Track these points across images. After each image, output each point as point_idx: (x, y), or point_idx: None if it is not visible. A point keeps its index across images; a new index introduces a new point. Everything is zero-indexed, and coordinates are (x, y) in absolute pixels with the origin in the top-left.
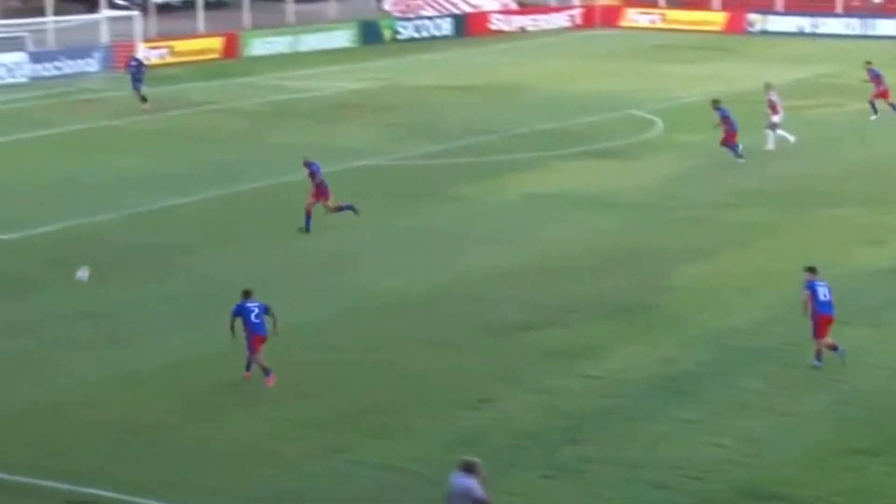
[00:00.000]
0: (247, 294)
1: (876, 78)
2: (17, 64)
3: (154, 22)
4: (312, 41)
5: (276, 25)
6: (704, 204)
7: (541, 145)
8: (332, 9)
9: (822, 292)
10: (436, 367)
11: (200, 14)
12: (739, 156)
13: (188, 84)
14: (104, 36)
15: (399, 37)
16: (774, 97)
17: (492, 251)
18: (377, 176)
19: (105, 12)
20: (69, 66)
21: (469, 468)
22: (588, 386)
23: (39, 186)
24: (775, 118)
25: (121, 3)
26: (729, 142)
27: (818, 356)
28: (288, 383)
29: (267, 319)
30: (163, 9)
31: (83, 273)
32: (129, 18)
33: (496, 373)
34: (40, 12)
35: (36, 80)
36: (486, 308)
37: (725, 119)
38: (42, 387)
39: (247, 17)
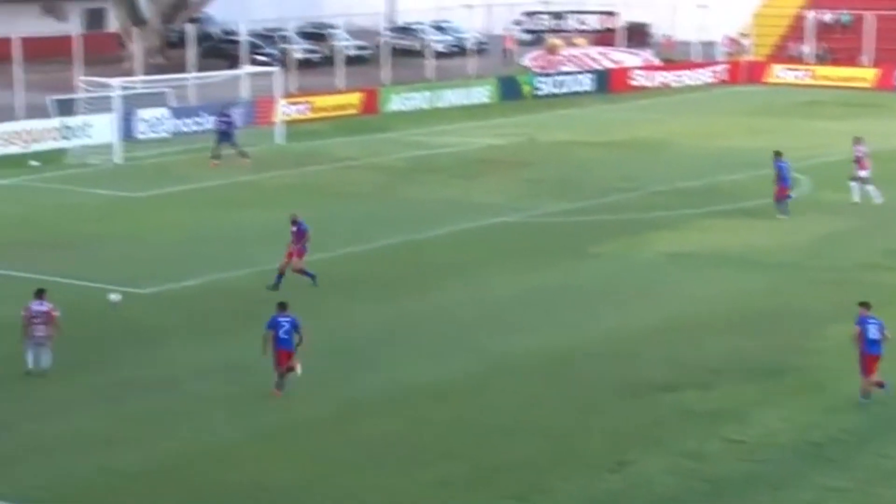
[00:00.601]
0: (282, 307)
1: None
2: (159, 119)
3: (294, 77)
4: (451, 97)
5: (415, 81)
6: (852, 264)
7: (682, 203)
8: (470, 64)
9: (873, 330)
10: (575, 427)
11: (340, 70)
12: (783, 212)
13: (327, 140)
14: (245, 91)
15: (538, 93)
16: (861, 151)
17: (632, 309)
18: (515, 232)
19: (246, 68)
20: (209, 122)
21: None
22: (730, 450)
23: (178, 240)
24: (862, 173)
25: (261, 59)
26: (779, 196)
27: (864, 394)
28: (426, 441)
29: (294, 336)
30: (303, 65)
31: (116, 298)
32: (270, 74)
33: (636, 434)
34: (182, 68)
35: (177, 136)
36: (626, 367)
37: (781, 173)
38: (178, 442)
39: (386, 72)
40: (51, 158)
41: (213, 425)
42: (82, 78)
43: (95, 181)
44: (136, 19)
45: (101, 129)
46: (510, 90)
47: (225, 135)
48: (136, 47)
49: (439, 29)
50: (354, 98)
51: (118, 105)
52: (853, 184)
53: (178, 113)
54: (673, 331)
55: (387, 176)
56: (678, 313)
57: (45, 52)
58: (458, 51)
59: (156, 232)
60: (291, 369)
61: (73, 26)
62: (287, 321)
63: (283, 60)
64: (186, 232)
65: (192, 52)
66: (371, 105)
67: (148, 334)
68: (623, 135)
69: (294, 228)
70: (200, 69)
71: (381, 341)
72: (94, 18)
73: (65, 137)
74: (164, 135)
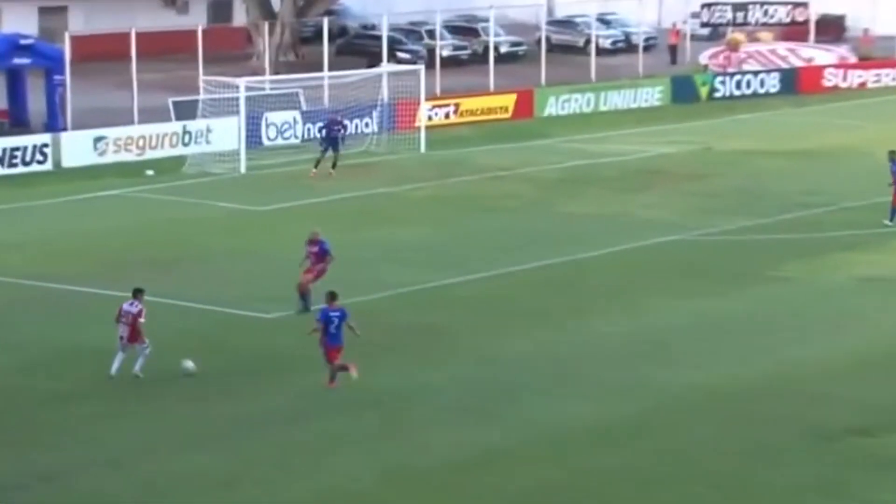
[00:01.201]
0: (332, 297)
1: None
2: (289, 124)
3: (439, 77)
4: (616, 99)
5: (576, 81)
6: None
7: (879, 220)
8: (639, 63)
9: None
10: (750, 475)
11: (491, 69)
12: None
13: (475, 147)
14: (385, 93)
15: (717, 94)
16: None
17: (820, 341)
18: (686, 253)
19: (387, 67)
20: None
21: None
22: None
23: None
24: None
25: (403, 56)
26: None
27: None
28: (588, 491)
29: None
30: (449, 63)
31: (188, 365)
32: (413, 73)
33: (819, 485)
34: (316, 67)
35: (308, 142)
36: (809, 408)
37: None
38: (306, 483)
39: (543, 72)
40: (168, 167)
41: (345, 465)
42: (205, 77)
43: (217, 192)
44: (266, 12)
45: (224, 134)
46: (684, 92)
47: (335, 143)
48: (266, 43)
49: (604, 22)
50: (507, 100)
51: (244, 108)
52: None
53: (310, 117)
54: (868, 367)
55: (541, 188)
56: (873, 347)
57: (165, 49)
58: (626, 47)
59: (283, 250)
60: (345, 368)
61: (196, 19)
62: (337, 315)
63: (427, 58)
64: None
65: (326, 49)
66: (525, 108)
67: (273, 363)
68: (812, 143)
69: (314, 249)
70: (335, 68)
71: (533, 375)
72: (220, 11)
73: (184, 143)
74: (293, 141)
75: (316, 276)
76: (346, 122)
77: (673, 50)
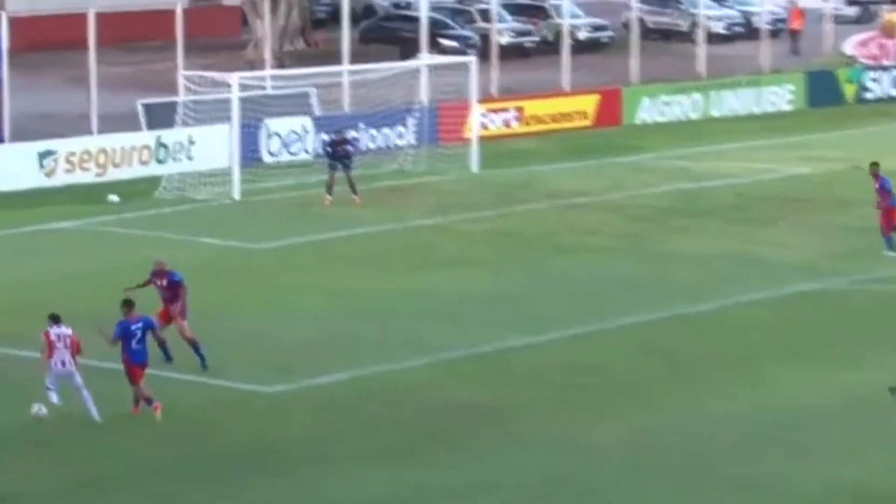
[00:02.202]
0: (129, 305)
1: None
2: (298, 134)
3: (496, 73)
4: (732, 101)
5: (679, 78)
6: None
7: None
8: (762, 53)
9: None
10: None
11: (565, 60)
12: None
13: (544, 165)
14: (425, 93)
15: (867, 95)
16: None
17: None
18: (829, 307)
19: (426, 58)
20: (371, 138)
21: None
22: None
23: (321, 314)
24: None
25: (449, 44)
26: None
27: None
28: None
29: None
30: (510, 53)
31: (39, 409)
32: (462, 67)
33: None
34: (333, 58)
35: (322, 158)
36: None
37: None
38: None
39: (634, 64)
40: (137, 191)
41: None
42: (186, 73)
43: (202, 225)
44: None
45: (211, 147)
46: (823, 92)
47: (343, 160)
48: (267, 27)
49: (716, 0)
50: (586, 103)
51: (237, 112)
52: None
53: (325, 124)
54: None
55: (633, 220)
56: None
57: (134, 35)
58: (745, 32)
59: (288, 301)
60: (149, 402)
61: None
62: (139, 326)
63: (481, 47)
64: (333, 301)
65: (347, 35)
66: (611, 113)
67: (273, 453)
68: None
69: (163, 283)
70: (359, 60)
71: (621, 470)
72: None
73: (158, 160)
74: (303, 156)
75: (183, 317)
76: (355, 138)
77: (794, 36)
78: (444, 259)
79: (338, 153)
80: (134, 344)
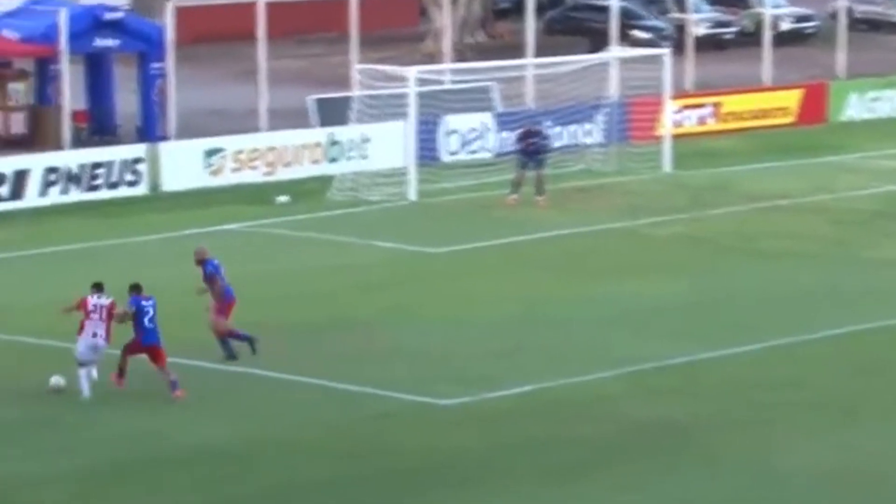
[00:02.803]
0: (138, 288)
1: None
2: (479, 132)
3: (692, 66)
4: None
5: (888, 71)
6: None
7: None
8: None
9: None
10: None
11: (766, 53)
12: None
13: (743, 165)
14: (614, 87)
15: None
16: None
17: None
18: None
19: (616, 51)
20: (557, 136)
21: None
22: None
23: (499, 322)
24: None
25: (641, 36)
26: None
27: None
28: None
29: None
30: (707, 45)
31: (57, 381)
32: (655, 60)
33: None
34: (516, 52)
35: (503, 157)
36: None
37: None
38: None
39: (841, 57)
40: (308, 191)
41: None
42: (360, 66)
43: (376, 228)
44: None
45: (386, 145)
46: None
47: (534, 157)
48: (447, 18)
49: None
50: (789, 98)
51: (415, 108)
52: None
53: (507, 121)
54: None
55: (841, 225)
56: None
57: (305, 26)
58: None
59: (466, 309)
60: (174, 385)
61: None
62: (150, 304)
63: (675, 38)
64: (513, 309)
65: (531, 26)
66: (815, 110)
67: (447, 471)
68: None
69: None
70: (544, 52)
71: (829, 501)
72: None
73: (331, 159)
74: (483, 154)
75: (217, 312)
76: (546, 131)
77: None
78: (633, 265)
79: (528, 148)
80: (147, 322)
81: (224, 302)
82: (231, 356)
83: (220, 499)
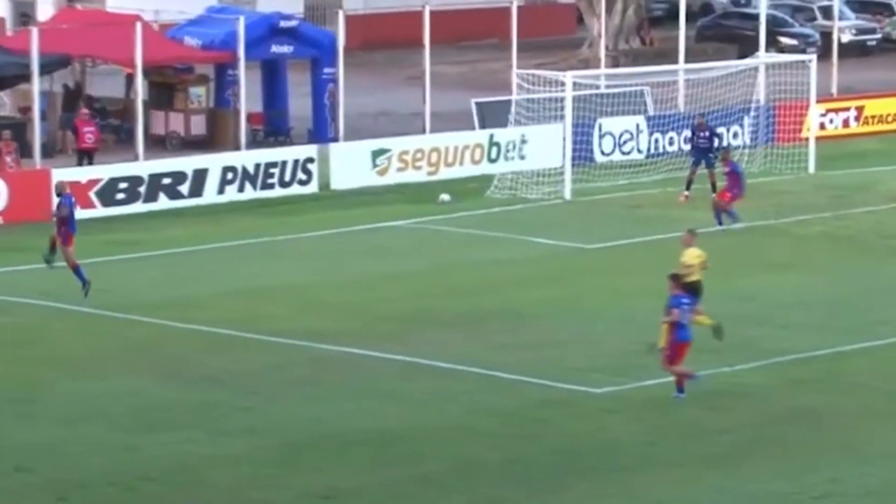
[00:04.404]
0: (677, 280)
1: None
2: (631, 133)
3: (836, 71)
4: None
5: None
6: None
7: None
8: None
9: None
10: None
11: None
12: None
13: (885, 166)
14: (762, 92)
15: None
16: None
17: None
18: None
19: (765, 56)
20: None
21: None
22: None
23: (652, 315)
24: None
25: (788, 42)
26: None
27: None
28: None
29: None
30: (851, 51)
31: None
32: (802, 66)
33: None
34: (668, 57)
35: (656, 158)
36: None
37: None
38: None
39: None
40: (469, 190)
41: None
42: (520, 71)
43: (534, 225)
44: None
45: (544, 146)
46: None
47: (706, 154)
48: (602, 25)
49: None
50: None
51: (571, 111)
52: None
53: (659, 123)
54: None
55: None
56: None
57: (468, 33)
58: None
59: (619, 303)
60: (686, 376)
61: None
62: (687, 302)
63: (821, 45)
64: (662, 303)
65: (683, 33)
66: None
67: (599, 453)
68: None
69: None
70: (695, 58)
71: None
72: None
73: (491, 159)
74: (636, 156)
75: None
76: (717, 129)
77: None
78: (778, 262)
79: (698, 142)
80: (683, 320)
81: (70, 232)
82: (84, 283)
83: (399, 476)
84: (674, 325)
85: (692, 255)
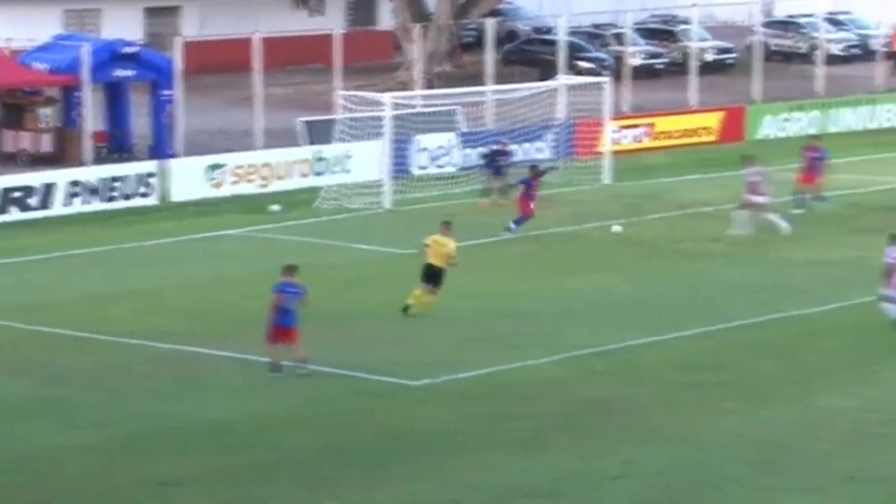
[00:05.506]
0: (291, 270)
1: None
2: (444, 149)
3: (629, 92)
4: (849, 118)
5: (798, 97)
6: None
7: None
8: (878, 74)
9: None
10: None
11: (692, 81)
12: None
13: (672, 177)
14: (562, 110)
15: None
16: (756, 174)
17: None
18: None
19: (564, 79)
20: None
21: None
22: None
23: (464, 315)
24: (759, 199)
25: (585, 65)
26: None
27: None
28: None
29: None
30: (641, 73)
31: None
32: (597, 87)
33: None
34: (477, 80)
35: (467, 171)
36: None
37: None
38: None
39: (757, 84)
40: (297, 201)
41: None
42: (343, 92)
43: (357, 232)
44: (419, 13)
45: (365, 161)
46: None
47: (497, 171)
48: (418, 50)
49: (835, 23)
50: (712, 120)
51: (390, 129)
52: (738, 213)
53: (471, 140)
54: None
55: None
56: None
57: (295, 58)
58: (862, 54)
59: (436, 304)
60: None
61: (332, 22)
62: (293, 290)
63: (614, 68)
64: (477, 303)
65: (491, 57)
66: (734, 129)
67: (419, 444)
68: None
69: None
70: (502, 80)
71: (739, 462)
72: (362, 12)
73: (317, 173)
74: (449, 169)
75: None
76: (512, 147)
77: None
78: (578, 264)
79: (496, 162)
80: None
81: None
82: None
83: (234, 464)
84: (278, 309)
85: (440, 243)
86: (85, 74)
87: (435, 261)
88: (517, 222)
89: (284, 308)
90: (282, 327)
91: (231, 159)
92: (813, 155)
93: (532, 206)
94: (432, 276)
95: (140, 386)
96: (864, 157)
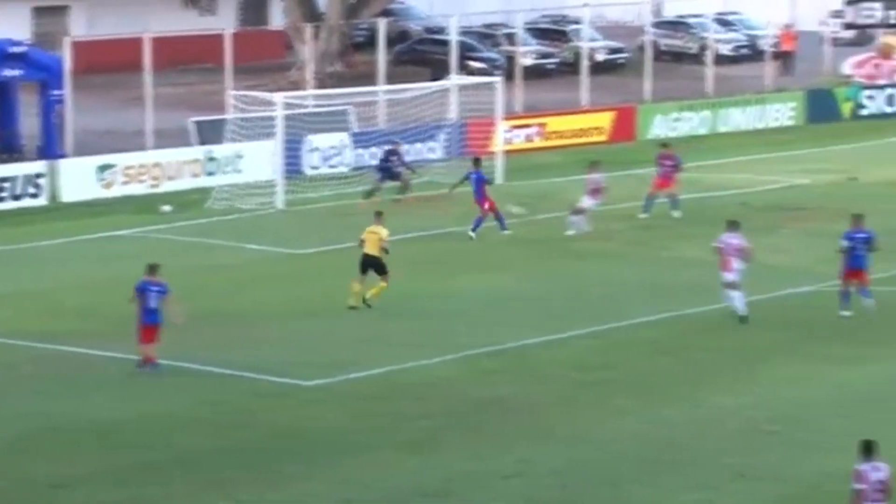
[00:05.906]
0: (153, 269)
1: None
2: (337, 149)
3: (520, 92)
4: (738, 118)
5: (688, 97)
6: None
7: None
8: (766, 73)
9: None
10: None
11: (584, 81)
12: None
13: (564, 177)
14: (453, 111)
15: (863, 112)
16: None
17: None
18: (825, 309)
19: (455, 79)
20: (406, 152)
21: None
22: None
23: (358, 315)
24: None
25: (477, 65)
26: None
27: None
28: None
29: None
30: (533, 74)
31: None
32: (489, 87)
33: None
34: (369, 79)
35: (360, 170)
36: None
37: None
38: None
39: (648, 84)
40: (189, 201)
41: None
42: (234, 92)
43: (249, 232)
44: (310, 13)
45: (257, 161)
46: (822, 109)
47: (388, 173)
48: (309, 50)
49: (724, 24)
50: (603, 120)
51: (282, 129)
52: (573, 218)
53: (363, 140)
54: None
55: (644, 228)
56: None
57: (186, 58)
58: (751, 54)
59: (327, 303)
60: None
61: (223, 22)
62: (157, 290)
63: (506, 68)
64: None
65: (382, 58)
66: (625, 129)
67: (312, 444)
68: None
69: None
70: (393, 80)
71: (632, 460)
72: (253, 12)
73: (209, 173)
74: (341, 169)
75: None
76: (403, 147)
77: (787, 57)
78: (471, 263)
79: (389, 163)
80: (150, 303)
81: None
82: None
83: (125, 464)
84: (143, 308)
85: (374, 232)
86: None
87: (370, 250)
88: (476, 225)
89: (148, 307)
90: (147, 325)
91: (121, 160)
92: (667, 163)
93: (486, 205)
94: (370, 265)
95: (26, 386)
96: (753, 156)
